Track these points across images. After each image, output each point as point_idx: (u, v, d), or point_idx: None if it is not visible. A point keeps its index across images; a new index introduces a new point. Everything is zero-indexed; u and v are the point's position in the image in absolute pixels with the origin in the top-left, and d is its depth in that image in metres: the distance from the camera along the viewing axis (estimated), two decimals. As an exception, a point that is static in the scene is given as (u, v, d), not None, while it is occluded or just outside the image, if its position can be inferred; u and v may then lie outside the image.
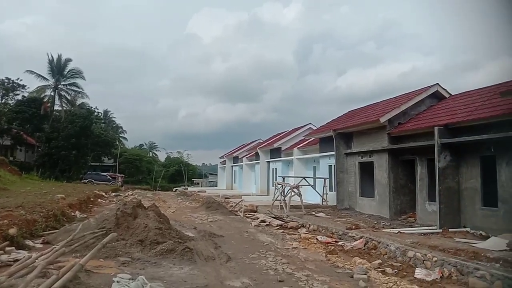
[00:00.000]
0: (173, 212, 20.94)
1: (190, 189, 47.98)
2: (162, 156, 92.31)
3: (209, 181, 68.94)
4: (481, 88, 16.31)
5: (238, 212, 21.12)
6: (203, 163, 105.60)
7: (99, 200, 26.27)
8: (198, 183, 67.10)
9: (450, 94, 18.07)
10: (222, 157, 54.00)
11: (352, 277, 8.42)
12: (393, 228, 13.57)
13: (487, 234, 11.70)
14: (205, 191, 39.12)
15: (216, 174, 60.34)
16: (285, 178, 25.38)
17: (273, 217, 17.80)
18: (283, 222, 16.60)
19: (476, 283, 7.78)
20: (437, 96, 18.14)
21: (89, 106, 55.99)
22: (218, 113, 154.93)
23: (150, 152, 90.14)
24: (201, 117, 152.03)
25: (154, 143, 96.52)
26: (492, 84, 15.55)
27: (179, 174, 71.52)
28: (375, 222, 15.37)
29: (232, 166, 48.20)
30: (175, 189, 50.84)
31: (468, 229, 13.10)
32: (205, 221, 17.71)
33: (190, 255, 9.53)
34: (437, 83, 18.13)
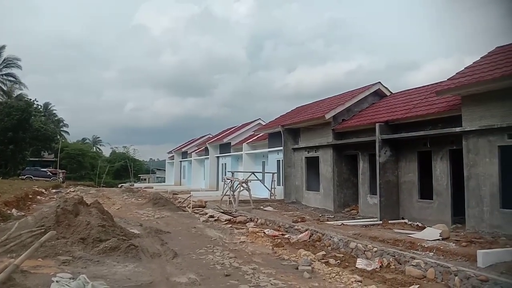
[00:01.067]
0: (118, 209, 20.33)
1: (136, 185, 46.81)
2: (107, 151, 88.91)
3: (157, 177, 67.59)
4: (419, 87, 17.28)
5: (187, 208, 20.94)
6: (151, 159, 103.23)
7: (39, 197, 24.89)
8: (145, 179, 65.60)
9: (391, 92, 18.97)
10: (170, 152, 53.10)
11: (297, 268, 8.67)
12: (337, 221, 14.07)
13: (423, 225, 12.45)
14: (152, 187, 38.33)
15: (164, 170, 59.23)
16: (235, 173, 25.46)
17: (221, 212, 17.82)
18: (231, 217, 16.68)
19: (412, 271, 8.28)
20: (378, 94, 18.98)
21: (27, 98, 52.65)
22: (168, 107, 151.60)
23: (94, 147, 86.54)
24: (149, 110, 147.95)
25: (98, 137, 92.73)
26: (429, 83, 16.51)
27: (125, 170, 69.45)
28: (320, 215, 15.85)
29: (181, 161, 47.54)
30: (120, 185, 49.36)
31: (406, 220, 13.87)
32: (151, 217, 17.38)
33: (135, 252, 9.34)
34: (379, 82, 18.98)
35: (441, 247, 9.08)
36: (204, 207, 20.49)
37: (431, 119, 13.58)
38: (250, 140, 29.75)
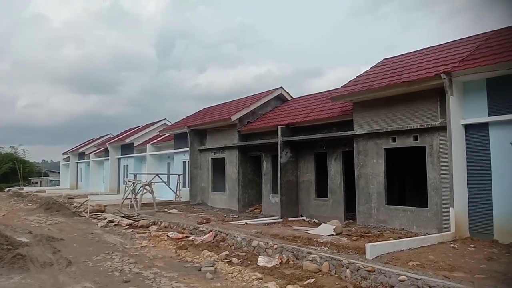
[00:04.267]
0: (4, 215, 18.35)
1: (26, 189, 42.51)
2: (-11, 152, 79.25)
3: (50, 180, 62.06)
4: (317, 93, 18.43)
5: (83, 213, 19.62)
6: (44, 160, 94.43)
7: None
8: (36, 183, 59.82)
9: (292, 97, 19.96)
10: (65, 153, 49.19)
11: (200, 270, 8.64)
12: (241, 220, 14.34)
13: (320, 221, 13.27)
14: (45, 191, 35.14)
15: (59, 172, 54.69)
16: (137, 175, 24.54)
17: (122, 217, 17.06)
18: (133, 221, 16.05)
19: (309, 265, 8.77)
20: (281, 98, 19.84)
21: None
22: (66, 104, 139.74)
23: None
24: (45, 108, 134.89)
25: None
26: (328, 89, 17.67)
27: (14, 172, 62.61)
28: (225, 215, 16.02)
29: (77, 163, 44.37)
30: (7, 189, 44.35)
31: (304, 217, 14.69)
32: (43, 224, 15.97)
33: (23, 263, 8.53)
34: (281, 87, 19.86)
35: (335, 242, 9.78)
36: (103, 211, 19.40)
37: (327, 123, 14.56)
38: (155, 140, 28.92)
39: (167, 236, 12.81)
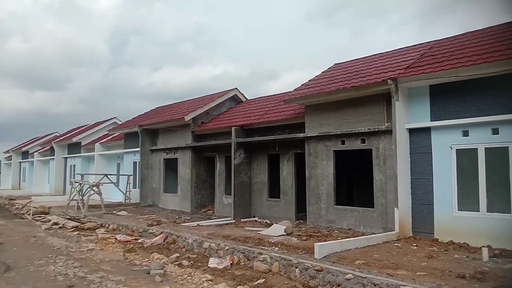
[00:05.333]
0: None
1: (-39, 190, 39.64)
2: None
3: (-10, 180, 58.19)
4: (271, 95, 18.63)
5: (26, 215, 18.57)
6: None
7: None
8: (-27, 183, 55.85)
9: (246, 99, 20.05)
10: (7, 151, 46.35)
11: (149, 273, 8.46)
12: (193, 222, 14.19)
13: (272, 222, 13.42)
14: (-17, 192, 32.93)
15: (0, 172, 51.44)
16: (85, 175, 23.59)
17: (68, 219, 16.34)
18: (79, 224, 15.40)
19: (259, 266, 8.82)
20: (235, 99, 19.86)
21: None
22: (11, 100, 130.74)
23: None
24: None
25: None
26: (282, 92, 17.89)
27: None
28: (177, 217, 15.79)
29: (20, 162, 41.98)
30: None
31: (256, 218, 14.80)
32: (-21, 227, 14.92)
33: (-46, 270, 7.91)
34: (236, 88, 19.88)
35: (285, 242, 9.92)
36: (47, 213, 18.47)
37: (280, 124, 14.76)
38: (104, 140, 27.94)
39: (115, 238, 12.41)
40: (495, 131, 9.31)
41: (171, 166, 19.55)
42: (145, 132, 20.74)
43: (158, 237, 11.90)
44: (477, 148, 9.59)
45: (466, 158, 9.81)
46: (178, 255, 10.12)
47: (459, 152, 9.89)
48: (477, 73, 9.36)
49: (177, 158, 18.82)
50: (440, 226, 10.04)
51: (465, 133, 9.77)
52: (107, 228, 14.63)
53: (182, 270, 8.67)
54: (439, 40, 12.92)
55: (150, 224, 13.75)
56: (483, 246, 8.48)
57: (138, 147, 20.88)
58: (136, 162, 22.13)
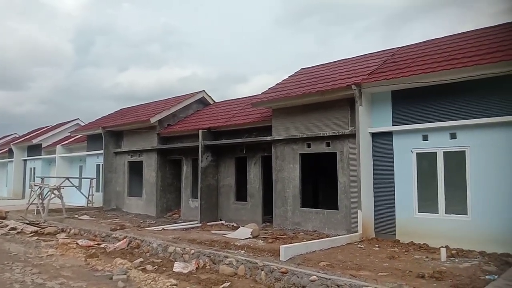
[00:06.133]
0: None
1: None
2: None
3: None
4: (238, 98, 18.65)
5: (-20, 220, 17.67)
6: None
7: None
8: None
9: (214, 101, 19.98)
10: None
11: (112, 278, 8.25)
12: (158, 226, 13.96)
13: (238, 225, 13.42)
14: None
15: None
16: (45, 178, 22.75)
17: (26, 223, 15.68)
18: (39, 228, 14.82)
19: (225, 269, 8.78)
20: (203, 102, 19.76)
21: None
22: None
23: None
24: None
25: None
26: (250, 95, 17.91)
27: None
28: (142, 221, 15.49)
29: (-25, 165, 39.90)
30: None
31: (223, 221, 14.75)
32: None
33: None
34: (203, 90, 19.77)
35: (251, 245, 9.94)
36: (4, 218, 17.66)
37: (247, 128, 14.80)
38: (66, 142, 27.04)
39: (77, 243, 12.03)
40: (453, 136, 9.72)
41: (136, 169, 19.17)
42: (109, 134, 20.25)
43: (122, 241, 11.63)
44: (436, 152, 9.97)
45: (426, 161, 10.18)
46: (142, 260, 9.92)
47: (419, 155, 10.26)
48: (436, 80, 9.75)
49: (142, 161, 18.49)
50: (401, 227, 10.36)
51: (425, 138, 10.15)
52: (68, 233, 14.16)
53: (146, 275, 8.51)
54: (402, 47, 13.37)
55: (113, 228, 13.42)
56: (442, 247, 8.80)
57: (102, 150, 20.36)
58: (99, 165, 21.56)
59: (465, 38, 11.44)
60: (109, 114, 24.38)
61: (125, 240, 11.66)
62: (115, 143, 20.39)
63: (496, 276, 6.82)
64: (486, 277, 6.83)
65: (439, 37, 12.65)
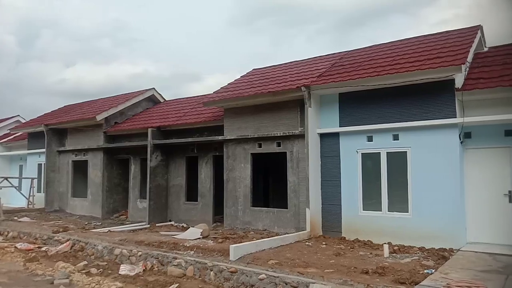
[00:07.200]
0: None
1: None
2: None
3: None
4: (190, 97, 18.42)
5: None
6: None
7: None
8: None
9: (165, 99, 19.61)
10: None
11: (53, 283, 7.89)
12: (104, 228, 13.50)
13: (188, 225, 13.25)
14: None
15: None
16: (-20, 178, 21.19)
17: (-43, 227, 14.57)
18: (-29, 232, 13.83)
19: (174, 271, 8.66)
20: (152, 100, 19.32)
21: None
22: None
23: None
24: None
25: None
26: (202, 94, 17.73)
27: None
28: (86, 223, 14.91)
29: None
30: None
31: (173, 222, 14.52)
32: None
33: None
34: (153, 88, 19.34)
35: (201, 245, 9.86)
36: None
37: (199, 127, 14.66)
38: (5, 139, 25.40)
39: (15, 247, 11.38)
40: (396, 137, 10.19)
41: (80, 169, 18.38)
42: (52, 132, 19.28)
43: (65, 244, 11.14)
44: (380, 153, 10.41)
45: (370, 161, 10.60)
46: (86, 263, 9.56)
47: (364, 156, 10.67)
48: (381, 83, 10.18)
49: (87, 160, 17.76)
50: (347, 225, 10.72)
51: (370, 138, 10.58)
52: (6, 236, 13.36)
53: (90, 278, 8.21)
54: (349, 51, 13.83)
55: (55, 230, 12.81)
56: (385, 243, 9.21)
57: (44, 148, 19.31)
58: (41, 164, 20.44)
59: (409, 44, 12.04)
60: (52, 111, 23.22)
61: (68, 242, 11.18)
62: (59, 141, 19.45)
63: (433, 270, 7.24)
64: (425, 271, 7.22)
65: (384, 42, 13.23)
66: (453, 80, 9.36)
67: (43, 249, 11.26)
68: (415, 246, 9.37)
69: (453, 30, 11.99)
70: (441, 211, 9.33)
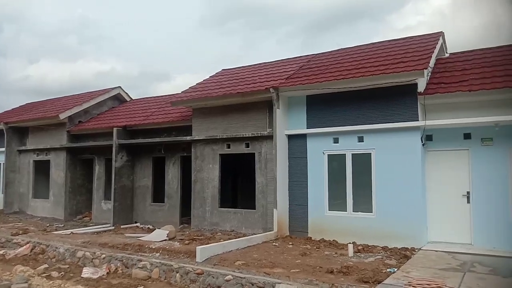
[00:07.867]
0: None
1: None
2: None
3: None
4: (157, 96, 18.16)
5: None
6: None
7: None
8: None
9: (131, 98, 19.23)
10: None
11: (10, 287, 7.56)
12: (66, 230, 13.09)
13: (154, 227, 13.04)
14: None
15: None
16: None
17: None
18: None
19: (138, 273, 8.51)
20: (118, 99, 18.91)
21: None
22: None
23: None
24: None
25: None
26: (170, 93, 17.51)
27: None
28: (48, 225, 14.40)
29: None
30: None
31: (138, 224, 14.25)
32: None
33: None
34: (119, 86, 18.94)
35: (167, 247, 9.73)
36: None
37: (166, 127, 14.47)
38: (-40, 138, 24.19)
39: (-31, 251, 10.83)
40: (361, 139, 10.43)
41: (42, 169, 17.74)
42: (12, 130, 18.53)
43: (24, 247, 10.71)
44: (345, 154, 10.62)
45: (336, 163, 10.79)
46: (47, 266, 9.25)
47: (330, 157, 10.85)
48: (347, 86, 10.38)
49: (49, 160, 17.16)
50: (313, 225, 10.87)
51: (336, 140, 10.77)
52: (-41, 240, 12.66)
53: (51, 282, 7.94)
54: (317, 54, 14.03)
55: (14, 233, 12.31)
56: (349, 243, 9.40)
57: (3, 147, 18.54)
58: (0, 164, 19.60)
59: (374, 48, 12.35)
60: (13, 109, 22.33)
61: (28, 245, 10.77)
62: (19, 140, 18.71)
63: (395, 269, 7.45)
64: (388, 270, 7.42)
65: (351, 46, 13.51)
66: (415, 85, 9.68)
67: (1, 252, 10.79)
68: (378, 246, 9.61)
69: (417, 36, 12.38)
70: (403, 211, 9.61)
